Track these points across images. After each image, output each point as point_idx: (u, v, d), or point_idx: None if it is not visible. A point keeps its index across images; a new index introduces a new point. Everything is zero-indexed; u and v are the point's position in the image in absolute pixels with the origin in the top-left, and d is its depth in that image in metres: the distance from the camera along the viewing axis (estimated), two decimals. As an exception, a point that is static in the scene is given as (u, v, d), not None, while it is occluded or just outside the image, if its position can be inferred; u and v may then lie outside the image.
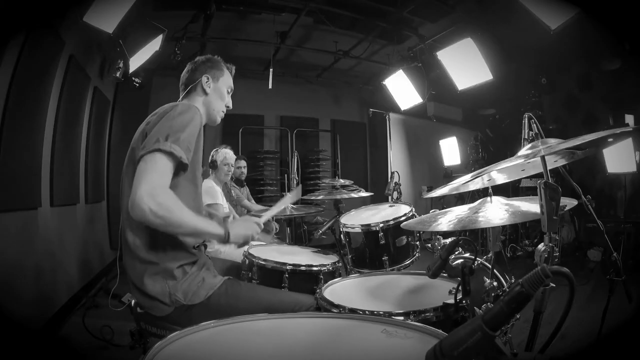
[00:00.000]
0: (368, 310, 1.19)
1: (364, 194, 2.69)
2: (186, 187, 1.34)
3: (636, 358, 1.91)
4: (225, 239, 1.30)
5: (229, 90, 1.60)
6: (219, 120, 1.57)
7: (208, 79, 1.51)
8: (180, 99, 1.53)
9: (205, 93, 1.52)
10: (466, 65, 4.43)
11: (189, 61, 1.58)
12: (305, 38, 5.40)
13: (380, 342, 0.88)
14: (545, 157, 1.10)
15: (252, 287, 1.61)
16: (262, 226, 1.44)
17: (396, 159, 7.04)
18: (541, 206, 0.97)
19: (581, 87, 5.60)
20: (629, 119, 5.17)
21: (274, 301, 1.41)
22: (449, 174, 6.78)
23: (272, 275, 1.75)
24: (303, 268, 1.77)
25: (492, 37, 4.39)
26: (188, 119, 1.29)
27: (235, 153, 3.46)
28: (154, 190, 1.14)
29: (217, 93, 1.54)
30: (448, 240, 1.27)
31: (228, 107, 1.60)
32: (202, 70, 1.52)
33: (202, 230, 1.27)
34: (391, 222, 2.00)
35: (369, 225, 2.03)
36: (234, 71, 1.63)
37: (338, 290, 1.48)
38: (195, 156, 1.34)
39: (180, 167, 1.27)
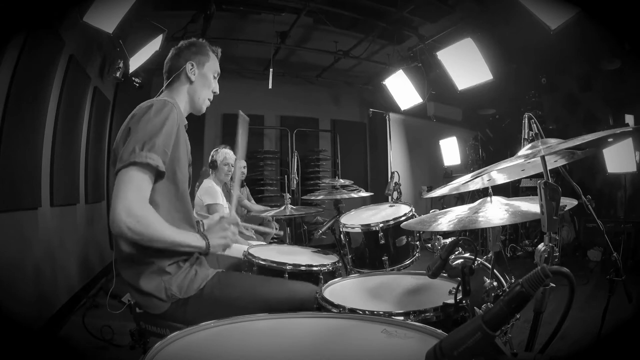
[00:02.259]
0: (368, 310, 1.19)
1: (364, 194, 2.69)
2: (166, 187, 1.30)
3: (636, 358, 1.91)
4: (206, 251, 1.28)
5: (216, 75, 1.53)
6: (204, 109, 1.52)
7: (193, 65, 1.45)
8: (163, 87, 1.48)
9: (190, 81, 1.45)
10: (466, 65, 4.44)
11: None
12: (305, 38, 5.41)
13: (380, 342, 0.88)
14: (545, 157, 1.10)
15: (245, 276, 1.60)
16: (238, 221, 1.39)
17: (396, 159, 7.04)
18: (541, 206, 0.97)
19: (581, 87, 5.59)
20: (629, 119, 5.17)
21: (268, 289, 1.40)
22: (449, 174, 6.79)
23: (272, 275, 1.75)
24: (303, 268, 1.77)
25: (492, 37, 4.39)
26: (163, 119, 1.25)
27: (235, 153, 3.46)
28: (130, 207, 1.13)
29: (203, 80, 1.48)
30: (448, 240, 1.27)
31: (215, 92, 1.54)
32: (186, 57, 1.45)
33: (181, 243, 1.24)
34: (391, 222, 1.99)
35: (369, 225, 2.03)
36: (220, 54, 1.56)
37: (338, 290, 1.47)
38: (175, 153, 1.30)
39: (158, 175, 1.24)
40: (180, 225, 1.32)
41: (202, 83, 1.48)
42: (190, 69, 1.45)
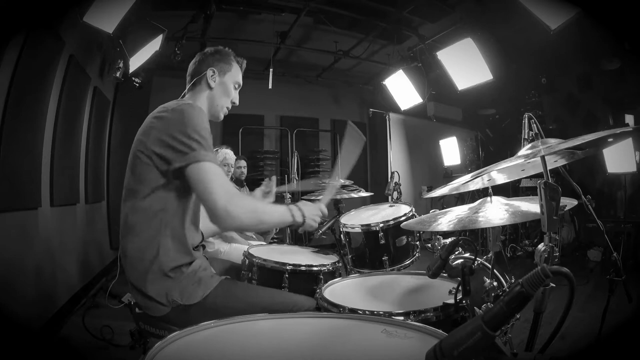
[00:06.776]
0: (368, 310, 1.19)
1: (364, 194, 2.69)
2: (180, 190, 1.31)
3: (636, 358, 1.91)
4: (302, 222, 1.34)
5: (236, 86, 1.54)
6: (222, 116, 1.53)
7: (214, 72, 1.46)
8: (186, 90, 1.49)
9: (210, 87, 1.47)
10: (466, 65, 4.44)
11: (189, 61, 1.55)
12: (305, 38, 5.41)
13: (380, 342, 0.88)
14: (545, 157, 1.10)
15: (249, 288, 1.60)
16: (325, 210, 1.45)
17: (396, 159, 7.04)
18: (541, 206, 0.97)
19: (581, 87, 5.59)
20: (629, 119, 5.17)
21: (271, 302, 1.40)
22: (449, 174, 6.79)
23: (272, 275, 1.75)
24: (303, 268, 1.77)
25: (492, 37, 4.39)
26: (203, 116, 1.31)
27: (235, 153, 3.45)
28: (229, 192, 1.20)
29: (222, 88, 1.49)
30: (448, 240, 1.27)
31: (234, 103, 1.55)
32: (208, 63, 1.47)
33: (282, 220, 1.32)
34: (391, 222, 1.99)
35: (369, 225, 2.03)
36: (244, 66, 1.57)
37: (338, 290, 1.48)
38: None
39: None
40: (190, 227, 1.36)
41: (222, 91, 1.49)
42: (211, 76, 1.46)
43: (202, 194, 1.20)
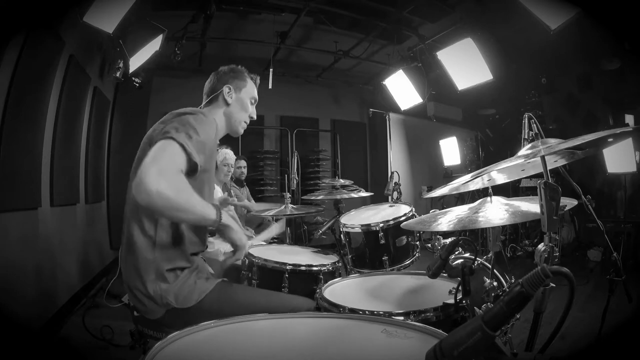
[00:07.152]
0: (368, 310, 1.19)
1: (364, 194, 2.69)
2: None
3: (636, 358, 1.91)
4: (216, 222, 1.22)
5: (253, 101, 1.58)
6: (241, 131, 1.56)
7: (230, 89, 1.50)
8: (201, 106, 1.51)
9: (227, 104, 1.50)
10: (466, 65, 4.44)
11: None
12: (305, 38, 5.41)
13: (380, 342, 0.88)
14: (545, 157, 1.10)
15: (246, 290, 1.58)
16: (250, 246, 1.40)
17: (396, 159, 7.04)
18: (541, 206, 0.97)
19: (581, 87, 5.60)
20: (629, 119, 5.17)
21: (269, 305, 1.39)
22: (449, 174, 6.79)
23: (272, 275, 1.75)
24: (303, 268, 1.77)
25: (492, 37, 4.39)
26: (205, 124, 1.28)
27: (235, 153, 3.46)
28: (163, 170, 1.09)
29: (239, 104, 1.52)
30: (448, 240, 1.27)
31: (252, 117, 1.57)
32: (224, 81, 1.51)
33: (202, 215, 1.19)
34: (391, 222, 2.00)
35: (369, 225, 2.03)
36: (258, 81, 1.61)
37: (338, 290, 1.48)
38: (205, 166, 1.31)
39: (190, 166, 1.21)
40: (188, 231, 1.36)
41: (239, 106, 1.53)
42: (228, 92, 1.50)
43: (143, 162, 1.09)
